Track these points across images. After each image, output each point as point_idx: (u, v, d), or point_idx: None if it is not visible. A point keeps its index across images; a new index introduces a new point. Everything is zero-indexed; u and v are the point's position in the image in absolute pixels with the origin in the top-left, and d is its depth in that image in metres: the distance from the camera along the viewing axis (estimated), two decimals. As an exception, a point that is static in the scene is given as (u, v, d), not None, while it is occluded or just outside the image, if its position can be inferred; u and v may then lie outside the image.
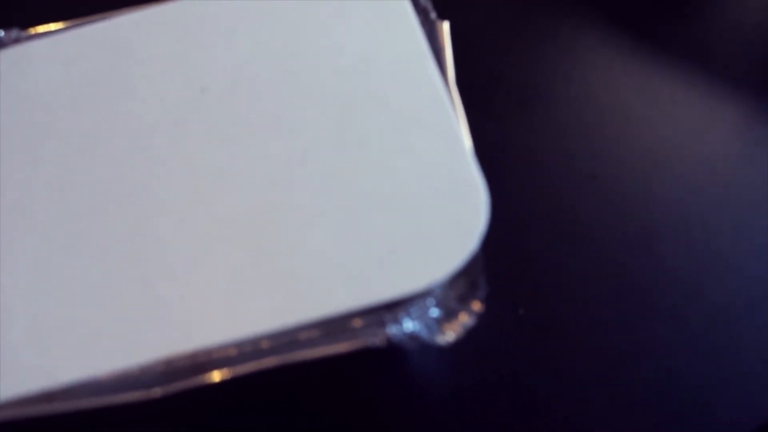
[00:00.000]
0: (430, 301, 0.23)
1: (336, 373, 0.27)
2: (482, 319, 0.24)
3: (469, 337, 0.24)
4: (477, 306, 0.23)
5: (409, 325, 0.22)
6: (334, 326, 0.22)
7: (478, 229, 0.23)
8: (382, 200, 0.24)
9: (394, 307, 0.22)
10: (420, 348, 0.22)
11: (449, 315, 0.23)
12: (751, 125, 0.33)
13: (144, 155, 0.26)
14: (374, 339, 0.22)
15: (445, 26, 0.28)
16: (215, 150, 0.26)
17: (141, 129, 0.27)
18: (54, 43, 0.30)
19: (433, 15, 0.29)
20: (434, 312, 0.23)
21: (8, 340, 0.23)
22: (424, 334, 0.22)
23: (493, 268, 0.24)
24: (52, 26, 0.31)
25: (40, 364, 0.23)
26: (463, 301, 0.23)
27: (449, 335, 0.23)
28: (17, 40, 0.31)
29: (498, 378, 0.27)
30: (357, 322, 0.22)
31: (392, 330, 0.22)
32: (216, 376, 0.22)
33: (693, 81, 0.34)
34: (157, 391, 0.22)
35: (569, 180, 0.32)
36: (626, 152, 0.33)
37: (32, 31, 0.31)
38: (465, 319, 0.23)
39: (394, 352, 0.25)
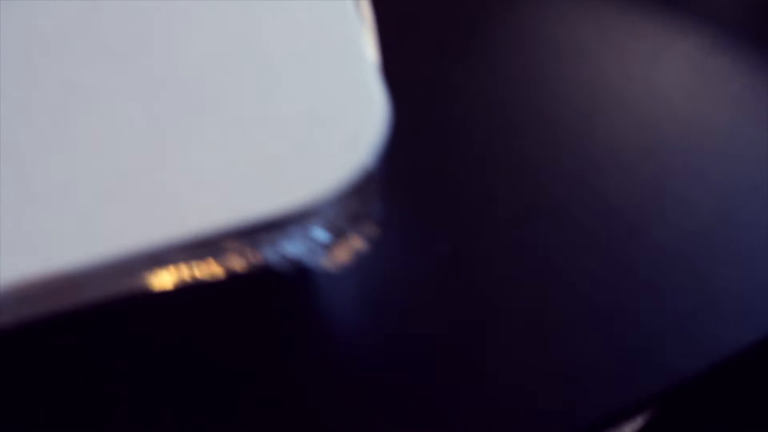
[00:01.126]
0: (315, 221, 0.20)
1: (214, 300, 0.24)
2: (399, 254, 0.21)
3: (385, 275, 0.21)
4: (371, 229, 0.20)
5: (289, 247, 0.20)
6: (202, 249, 0.20)
7: (372, 143, 0.20)
8: (267, 112, 0.21)
9: (272, 228, 0.20)
10: (301, 273, 0.20)
11: (338, 238, 0.20)
12: (708, 59, 0.31)
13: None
14: (245, 261, 0.20)
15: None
16: (84, 62, 0.23)
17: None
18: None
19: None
20: (320, 234, 0.20)
21: None
22: (307, 257, 0.20)
23: (412, 198, 0.21)
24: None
25: None
26: (356, 223, 0.20)
27: (337, 260, 0.20)
28: None
29: (411, 321, 0.25)
30: (229, 245, 0.20)
31: (268, 252, 0.20)
32: (77, 300, 0.20)
33: (648, 12, 0.32)
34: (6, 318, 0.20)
35: (507, 112, 0.29)
36: (568, 85, 0.30)
37: None
38: (356, 243, 0.20)
39: (297, 281, 0.23)
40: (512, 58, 0.30)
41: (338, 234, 0.20)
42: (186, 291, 0.20)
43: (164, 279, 0.20)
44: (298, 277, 0.22)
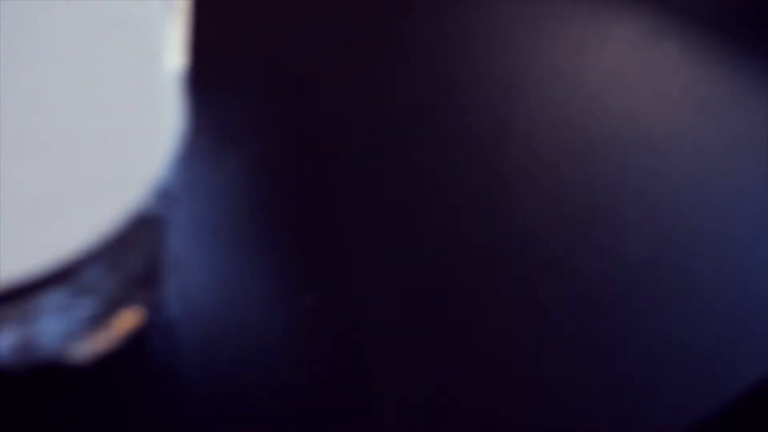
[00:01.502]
0: (64, 288, 0.14)
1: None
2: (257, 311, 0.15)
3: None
4: (149, 299, 0.14)
5: (20, 331, 0.13)
6: None
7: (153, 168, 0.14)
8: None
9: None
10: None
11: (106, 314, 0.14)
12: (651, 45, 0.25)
13: None
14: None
15: None
16: None
17: None
18: None
19: None
20: (74, 307, 0.14)
21: None
22: (47, 343, 0.13)
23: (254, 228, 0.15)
24: None
25: None
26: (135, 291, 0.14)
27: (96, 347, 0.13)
28: None
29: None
30: None
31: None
32: None
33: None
34: None
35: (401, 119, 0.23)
36: (490, 75, 0.24)
37: None
38: (127, 321, 0.14)
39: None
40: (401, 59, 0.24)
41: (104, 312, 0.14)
42: None
43: None
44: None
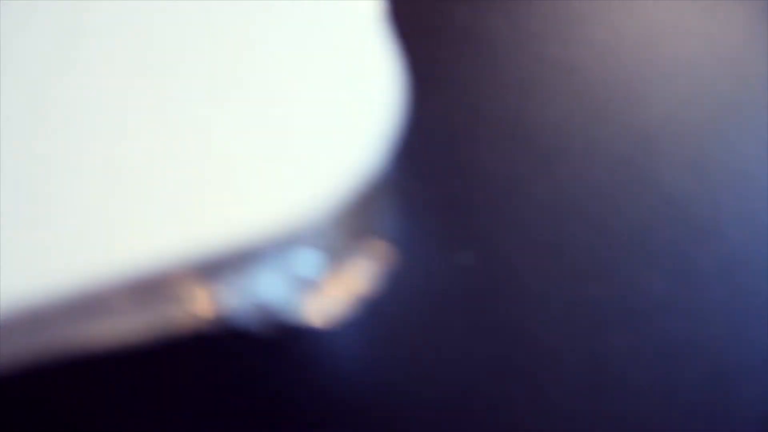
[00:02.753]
0: (298, 251, 0.14)
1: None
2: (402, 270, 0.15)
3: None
4: (383, 258, 0.14)
5: (260, 290, 0.14)
6: (141, 290, 0.14)
7: (377, 139, 0.14)
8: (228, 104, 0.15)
9: (234, 261, 0.14)
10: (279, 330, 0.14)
11: (331, 274, 0.14)
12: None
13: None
14: (201, 312, 0.13)
15: None
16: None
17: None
18: None
19: None
20: (307, 269, 0.14)
21: None
22: (286, 305, 0.14)
23: (418, 193, 0.15)
24: None
25: None
26: (358, 249, 0.14)
27: (331, 308, 0.14)
28: None
29: (421, 360, 0.19)
30: (178, 284, 0.14)
31: (230, 298, 0.14)
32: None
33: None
34: None
35: (536, 73, 0.23)
36: (614, 39, 0.24)
37: None
38: (359, 282, 0.14)
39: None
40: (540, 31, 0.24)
41: (334, 268, 0.14)
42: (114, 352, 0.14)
43: (85, 336, 0.14)
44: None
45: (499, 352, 0.20)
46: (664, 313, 0.20)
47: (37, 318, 0.14)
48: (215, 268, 0.13)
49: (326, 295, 0.14)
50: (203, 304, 0.14)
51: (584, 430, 0.19)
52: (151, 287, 0.13)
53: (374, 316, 0.16)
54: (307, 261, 0.14)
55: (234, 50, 0.15)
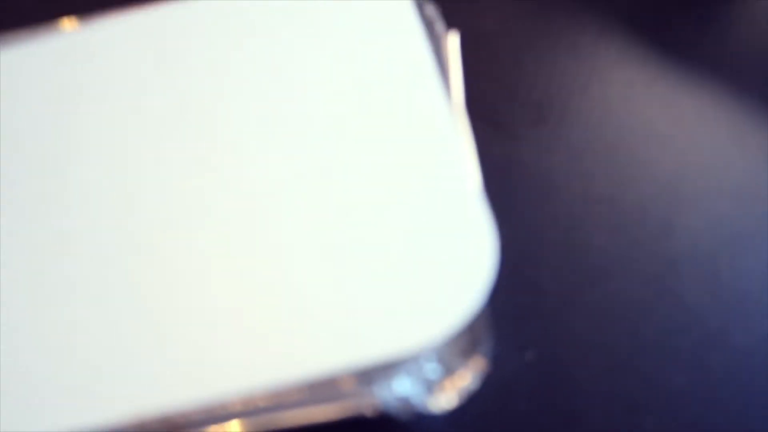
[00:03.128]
0: (427, 360, 0.20)
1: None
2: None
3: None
4: (480, 364, 0.20)
5: (402, 388, 0.20)
6: (317, 388, 0.20)
7: (484, 282, 0.20)
8: (375, 245, 0.21)
9: (384, 370, 0.20)
10: (414, 415, 0.20)
11: (449, 373, 0.20)
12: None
13: (106, 187, 0.24)
14: (361, 406, 0.19)
15: (454, 39, 0.25)
16: (187, 180, 0.23)
17: (108, 154, 0.24)
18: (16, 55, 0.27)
19: (439, 27, 0.26)
20: (433, 372, 0.20)
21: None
22: (418, 399, 0.20)
23: (495, 305, 0.21)
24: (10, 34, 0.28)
25: None
26: (466, 357, 0.20)
27: (447, 400, 0.20)
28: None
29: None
30: (346, 384, 0.20)
31: (382, 394, 0.20)
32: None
33: (721, 99, 0.31)
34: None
35: (584, 205, 0.29)
36: (647, 176, 0.30)
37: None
38: (466, 380, 0.20)
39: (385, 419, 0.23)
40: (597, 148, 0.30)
41: (450, 370, 0.20)
42: None
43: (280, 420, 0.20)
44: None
45: (553, 427, 0.26)
46: (683, 402, 0.26)
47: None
48: (372, 373, 0.20)
49: (443, 391, 0.20)
50: (364, 399, 0.20)
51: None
52: (328, 386, 0.20)
53: (472, 400, 0.22)
54: (431, 368, 0.20)
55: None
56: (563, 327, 0.27)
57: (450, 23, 0.26)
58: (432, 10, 0.26)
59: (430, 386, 0.20)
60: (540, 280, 0.28)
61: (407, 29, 0.25)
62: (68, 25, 0.27)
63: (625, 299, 0.27)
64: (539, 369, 0.26)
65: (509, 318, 0.26)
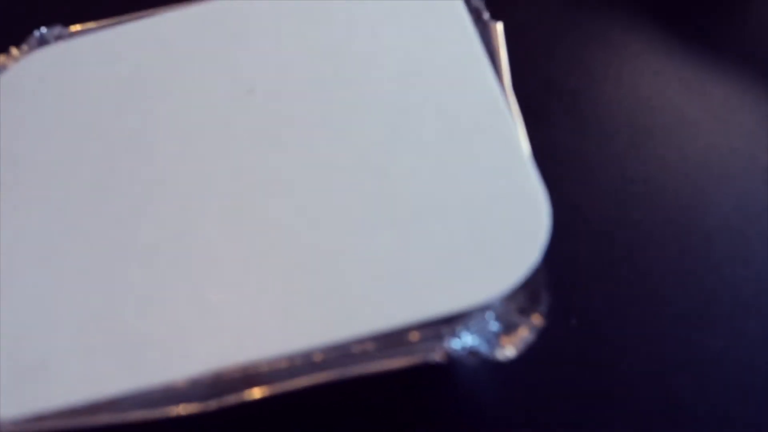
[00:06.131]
0: (490, 314, 0.22)
1: (387, 387, 0.26)
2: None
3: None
4: (537, 320, 0.22)
5: (468, 340, 0.22)
6: (389, 340, 0.22)
7: (540, 241, 0.22)
8: (439, 209, 0.23)
9: (452, 321, 0.22)
10: (479, 363, 0.22)
11: (509, 329, 0.22)
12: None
13: (190, 157, 0.26)
14: (433, 354, 0.21)
15: (499, 27, 0.27)
16: (263, 154, 0.25)
17: (187, 131, 0.26)
18: (97, 40, 0.29)
19: (486, 15, 0.28)
20: (494, 326, 0.22)
21: (54, 349, 0.23)
22: (483, 349, 0.22)
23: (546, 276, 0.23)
24: (95, 23, 0.30)
25: (86, 375, 0.22)
26: (524, 314, 0.22)
27: (509, 350, 0.22)
28: (60, 37, 0.30)
29: (548, 389, 0.26)
30: (414, 336, 0.22)
31: (451, 345, 0.21)
32: (267, 390, 0.22)
33: (747, 86, 0.33)
34: (209, 405, 0.22)
35: (619, 185, 0.31)
36: (679, 158, 0.32)
37: (75, 28, 0.30)
38: (525, 334, 0.22)
39: (448, 366, 0.25)
40: (627, 132, 0.32)
41: (510, 326, 0.22)
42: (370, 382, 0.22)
43: (355, 370, 0.22)
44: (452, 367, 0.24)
45: (592, 383, 0.27)
46: (718, 365, 0.28)
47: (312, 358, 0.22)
48: (441, 324, 0.21)
49: (505, 342, 0.22)
50: (433, 348, 0.22)
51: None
52: (399, 338, 0.21)
53: (527, 354, 0.23)
54: (493, 321, 0.22)
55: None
56: (603, 296, 0.28)
57: (492, 14, 0.28)
58: (478, 2, 0.28)
59: (494, 338, 0.22)
60: (580, 254, 0.29)
61: (458, 19, 0.27)
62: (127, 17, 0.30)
63: (660, 270, 0.29)
64: (579, 332, 0.28)
65: (554, 288, 0.28)
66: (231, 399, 0.22)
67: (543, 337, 0.24)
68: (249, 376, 0.22)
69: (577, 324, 0.28)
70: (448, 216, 0.23)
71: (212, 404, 0.22)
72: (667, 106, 0.33)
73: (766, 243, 0.29)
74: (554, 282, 0.26)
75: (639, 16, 0.35)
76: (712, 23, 0.35)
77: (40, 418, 0.22)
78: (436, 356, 0.21)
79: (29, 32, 0.31)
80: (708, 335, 0.28)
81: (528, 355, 0.23)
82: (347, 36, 0.27)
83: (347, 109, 0.26)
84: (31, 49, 0.30)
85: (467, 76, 0.25)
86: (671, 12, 0.35)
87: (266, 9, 0.29)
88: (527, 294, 0.22)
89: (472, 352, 0.21)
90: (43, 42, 0.30)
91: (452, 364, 0.22)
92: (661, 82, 0.34)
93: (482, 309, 0.22)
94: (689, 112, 0.33)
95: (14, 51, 0.30)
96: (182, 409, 0.22)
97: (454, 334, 0.22)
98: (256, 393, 0.22)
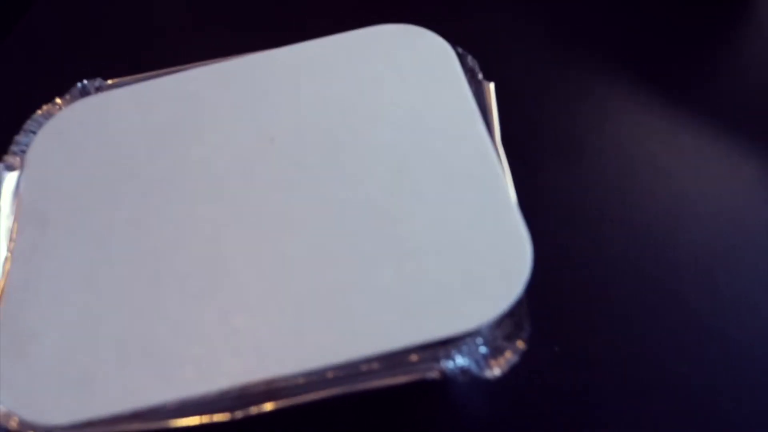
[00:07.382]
0: (479, 339, 0.25)
1: (390, 400, 0.30)
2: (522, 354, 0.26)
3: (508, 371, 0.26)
4: (521, 344, 0.25)
5: (460, 361, 0.25)
6: (393, 360, 0.25)
7: (523, 276, 0.26)
8: (435, 247, 0.27)
9: (446, 344, 0.25)
10: (469, 381, 0.25)
11: (496, 352, 0.25)
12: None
13: (217, 198, 0.29)
14: (430, 373, 0.25)
15: (491, 86, 0.31)
16: (282, 196, 0.29)
17: (214, 174, 0.30)
18: (133, 92, 0.33)
19: (479, 75, 0.32)
20: (483, 349, 0.25)
21: (99, 364, 0.26)
22: (473, 368, 0.25)
23: (531, 307, 0.26)
24: (131, 77, 0.34)
25: (128, 386, 0.26)
26: (509, 339, 0.25)
27: (496, 370, 0.25)
28: (99, 89, 0.34)
29: (533, 409, 0.30)
30: (414, 357, 0.25)
31: (446, 365, 0.25)
32: (285, 402, 0.25)
33: (717, 135, 0.37)
34: (236, 414, 0.25)
35: (599, 224, 0.35)
36: (652, 200, 0.35)
37: (113, 81, 0.34)
38: (510, 356, 0.25)
39: (443, 383, 0.28)
40: (610, 175, 0.36)
41: (497, 349, 0.25)
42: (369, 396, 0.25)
43: (362, 385, 0.25)
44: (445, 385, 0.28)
45: (571, 399, 0.30)
46: (685, 387, 0.31)
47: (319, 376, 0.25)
48: (437, 346, 0.25)
49: (492, 364, 0.25)
50: (430, 367, 0.25)
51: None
52: (400, 358, 0.25)
53: (511, 374, 0.27)
54: (482, 346, 0.26)
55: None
56: (583, 325, 0.32)
57: (485, 74, 0.32)
58: (472, 61, 0.32)
59: (482, 359, 0.25)
60: (565, 288, 0.33)
61: (454, 77, 0.31)
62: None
63: (635, 301, 0.32)
64: (562, 358, 0.31)
65: (538, 318, 0.31)
66: (254, 409, 0.25)
67: (530, 361, 0.27)
68: (270, 390, 0.25)
69: (559, 351, 0.31)
70: (443, 253, 0.26)
71: (238, 414, 0.25)
72: (644, 154, 0.37)
73: (730, 279, 0.33)
74: (541, 313, 0.29)
75: (621, 72, 0.39)
76: (685, 81, 0.39)
77: (87, 424, 0.25)
78: (433, 374, 0.25)
79: (72, 84, 0.34)
80: (676, 360, 0.31)
81: (514, 376, 0.26)
82: (356, 92, 0.31)
83: (355, 157, 0.29)
84: (74, 99, 0.34)
85: (462, 130, 0.29)
86: (651, 68, 0.39)
87: (285, 64, 0.33)
88: (512, 322, 0.26)
89: (464, 371, 0.25)
90: (84, 93, 0.34)
91: (447, 381, 0.25)
92: (641, 134, 0.37)
93: (472, 334, 0.25)
94: (664, 159, 0.37)
95: (58, 100, 0.34)
96: (210, 418, 0.25)
97: (449, 356, 0.25)
98: (276, 405, 0.25)
